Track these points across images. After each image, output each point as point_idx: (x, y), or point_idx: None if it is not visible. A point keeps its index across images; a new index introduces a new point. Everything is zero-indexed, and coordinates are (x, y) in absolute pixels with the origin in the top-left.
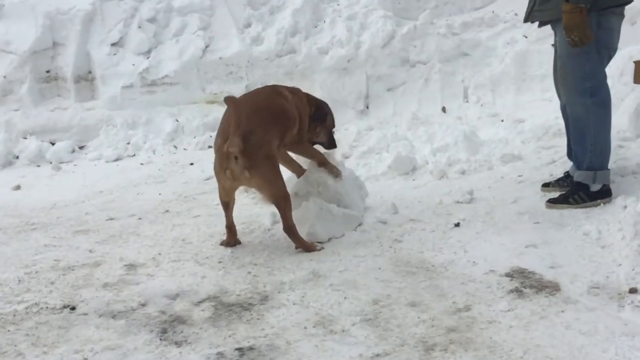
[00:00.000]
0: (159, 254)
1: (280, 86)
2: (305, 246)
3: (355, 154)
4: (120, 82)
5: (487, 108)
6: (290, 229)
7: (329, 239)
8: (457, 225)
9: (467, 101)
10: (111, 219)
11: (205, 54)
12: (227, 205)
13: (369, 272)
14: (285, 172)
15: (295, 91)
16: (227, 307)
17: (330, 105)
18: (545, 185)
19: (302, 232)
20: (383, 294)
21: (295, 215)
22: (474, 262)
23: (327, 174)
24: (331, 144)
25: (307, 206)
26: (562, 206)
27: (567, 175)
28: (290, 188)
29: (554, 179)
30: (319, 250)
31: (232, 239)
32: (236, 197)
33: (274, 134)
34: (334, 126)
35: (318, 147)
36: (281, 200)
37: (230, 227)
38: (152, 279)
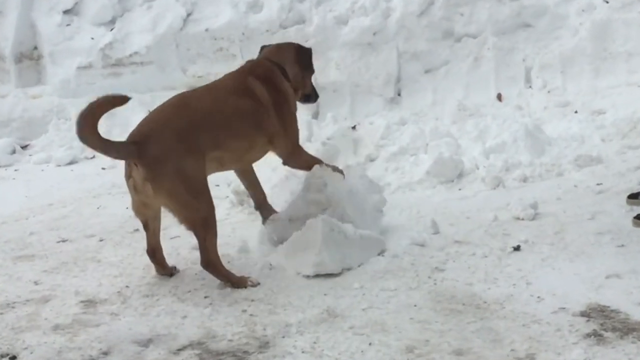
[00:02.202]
0: (127, 286)
1: (250, 71)
2: (234, 281)
3: (383, 155)
4: (75, 62)
5: (556, 95)
6: (210, 264)
7: (342, 270)
8: (517, 249)
9: (530, 86)
10: (63, 241)
11: (186, 25)
12: (145, 224)
13: (402, 310)
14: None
15: (266, 73)
16: (215, 356)
17: (351, 91)
18: (633, 197)
19: (307, 261)
20: (420, 339)
21: (298, 239)
22: (538, 297)
23: (331, 189)
24: (316, 94)
25: (314, 226)
26: None
27: None
28: (283, 212)
29: None
30: (254, 285)
31: (160, 269)
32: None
33: (199, 142)
34: (313, 71)
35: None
36: (199, 226)
37: (154, 253)
38: (117, 320)
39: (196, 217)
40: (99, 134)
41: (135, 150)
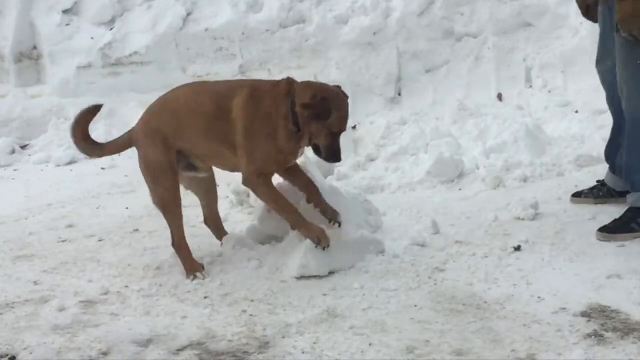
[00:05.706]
0: (126, 286)
1: (252, 85)
2: (187, 267)
3: (384, 155)
4: (75, 62)
5: (557, 95)
6: (174, 246)
7: (331, 272)
8: (518, 249)
9: (531, 86)
10: (63, 241)
11: (186, 25)
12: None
13: (402, 310)
14: None
15: (260, 93)
16: (215, 357)
17: (351, 91)
18: (576, 196)
19: (293, 263)
20: (420, 339)
21: (290, 240)
22: (539, 297)
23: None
24: (331, 154)
25: None
26: (625, 237)
27: (603, 184)
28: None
29: (587, 188)
30: (202, 278)
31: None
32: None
33: (161, 134)
34: (340, 129)
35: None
36: (160, 208)
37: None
38: (117, 320)
39: (155, 199)
40: (91, 140)
41: (128, 140)
